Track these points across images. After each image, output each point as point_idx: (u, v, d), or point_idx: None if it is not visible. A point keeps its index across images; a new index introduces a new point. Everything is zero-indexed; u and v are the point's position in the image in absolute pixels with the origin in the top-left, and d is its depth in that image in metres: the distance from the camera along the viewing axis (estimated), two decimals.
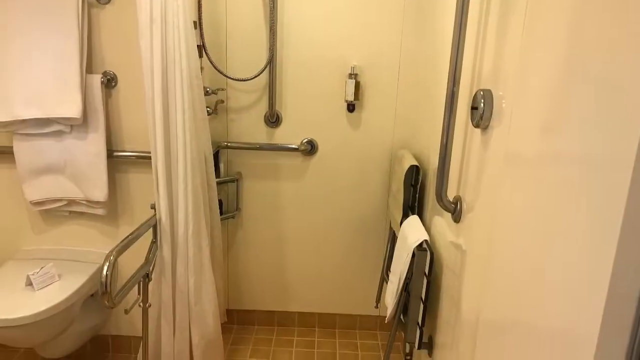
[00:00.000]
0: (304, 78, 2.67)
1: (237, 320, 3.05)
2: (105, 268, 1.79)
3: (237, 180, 2.79)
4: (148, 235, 2.15)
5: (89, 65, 2.27)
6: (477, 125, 1.43)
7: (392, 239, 2.49)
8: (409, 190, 2.32)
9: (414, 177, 2.30)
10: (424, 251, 1.87)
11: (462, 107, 1.66)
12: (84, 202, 2.39)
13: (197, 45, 2.23)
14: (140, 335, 2.26)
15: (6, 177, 2.45)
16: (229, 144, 2.74)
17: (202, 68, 2.37)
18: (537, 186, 1.03)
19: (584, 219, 0.82)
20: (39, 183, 2.34)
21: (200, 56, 2.35)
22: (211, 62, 2.49)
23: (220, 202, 2.66)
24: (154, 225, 2.16)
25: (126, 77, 2.32)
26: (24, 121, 2.22)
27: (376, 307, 2.86)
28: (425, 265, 1.88)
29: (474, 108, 1.44)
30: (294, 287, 2.99)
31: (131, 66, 2.28)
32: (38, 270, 2.21)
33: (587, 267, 0.80)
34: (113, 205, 2.48)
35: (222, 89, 2.68)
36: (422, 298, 1.92)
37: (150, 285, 2.18)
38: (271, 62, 2.61)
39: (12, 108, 2.17)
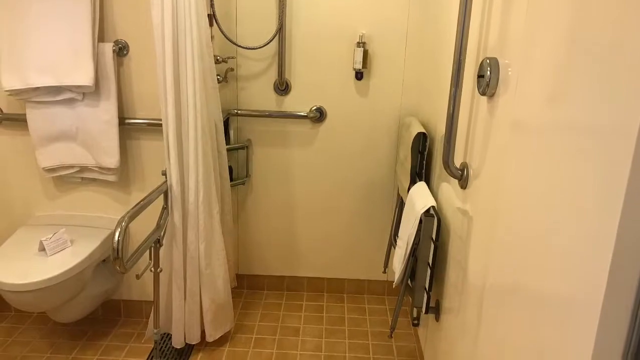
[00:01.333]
0: (313, 46, 2.67)
1: (247, 285, 3.10)
2: (117, 234, 1.82)
3: (247, 147, 2.81)
4: (159, 202, 2.18)
5: (101, 34, 2.28)
6: (483, 93, 1.44)
7: (400, 205, 2.52)
8: (416, 157, 2.33)
9: (422, 144, 2.31)
10: (431, 217, 1.90)
11: (468, 75, 1.67)
12: (96, 168, 2.42)
13: (208, 14, 2.24)
14: (151, 299, 2.31)
15: (19, 144, 2.48)
16: (239, 112, 2.76)
17: (212, 37, 2.38)
18: (543, 153, 1.04)
19: (589, 186, 0.84)
20: (51, 150, 2.37)
21: (211, 25, 2.35)
22: (221, 30, 2.49)
23: (230, 169, 2.68)
24: (165, 191, 2.19)
25: (138, 45, 2.32)
26: (36, 89, 2.24)
27: (384, 272, 2.90)
28: (432, 231, 1.91)
29: (480, 76, 1.45)
30: (303, 253, 3.03)
31: (142, 35, 2.29)
32: (51, 235, 2.25)
33: (591, 232, 0.82)
34: (125, 172, 2.50)
35: (232, 57, 2.69)
36: (429, 263, 1.95)
37: (161, 251, 2.21)
38: (280, 30, 2.61)
39: (25, 76, 2.19)
